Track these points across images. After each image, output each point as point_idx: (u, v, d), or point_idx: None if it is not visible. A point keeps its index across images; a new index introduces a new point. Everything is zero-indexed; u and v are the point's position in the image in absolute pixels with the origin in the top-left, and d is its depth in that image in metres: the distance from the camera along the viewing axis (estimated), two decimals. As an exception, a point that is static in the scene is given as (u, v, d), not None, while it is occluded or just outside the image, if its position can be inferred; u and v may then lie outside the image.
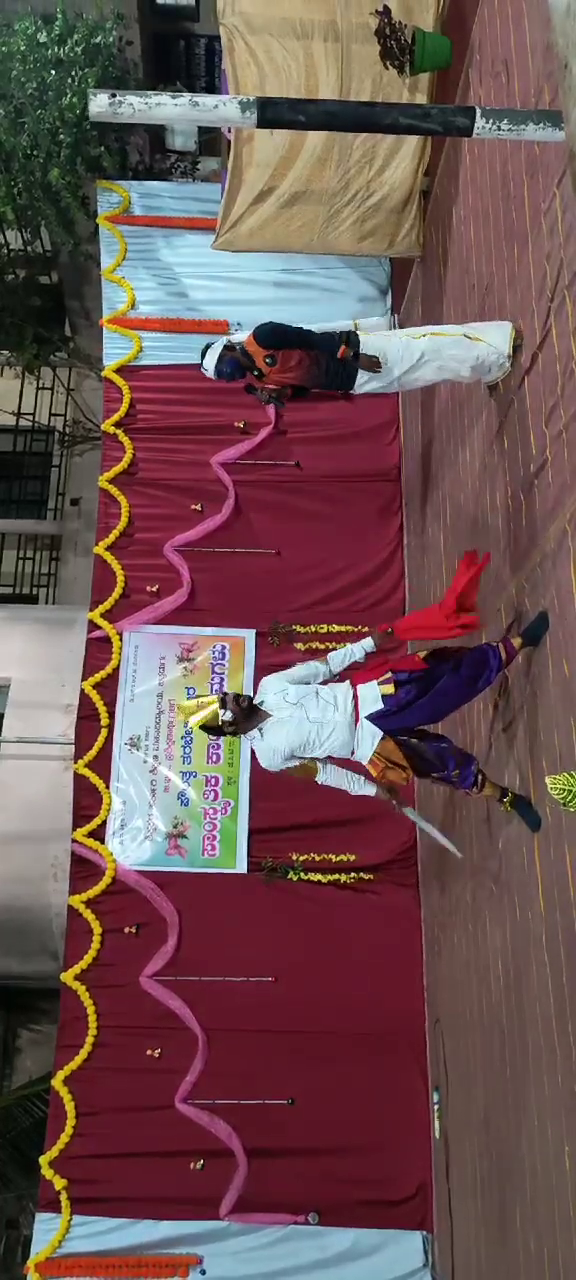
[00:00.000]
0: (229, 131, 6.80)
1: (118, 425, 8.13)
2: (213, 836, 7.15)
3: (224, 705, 4.40)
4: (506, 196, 4.94)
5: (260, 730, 4.46)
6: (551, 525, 4.18)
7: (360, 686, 4.49)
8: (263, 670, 7.43)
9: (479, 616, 4.64)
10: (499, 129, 2.38)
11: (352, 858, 6.99)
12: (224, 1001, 6.65)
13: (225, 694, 4.44)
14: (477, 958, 5.32)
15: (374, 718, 4.43)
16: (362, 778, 4.64)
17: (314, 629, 7.60)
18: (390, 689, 4.45)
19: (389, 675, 4.48)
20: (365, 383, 5.11)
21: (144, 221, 8.54)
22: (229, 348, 5.13)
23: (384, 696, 4.43)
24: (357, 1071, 6.47)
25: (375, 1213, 6.22)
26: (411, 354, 5.11)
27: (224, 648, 7.65)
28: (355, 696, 4.47)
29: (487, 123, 2.35)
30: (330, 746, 4.46)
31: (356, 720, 4.44)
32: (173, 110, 2.31)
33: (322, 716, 4.41)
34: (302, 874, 6.95)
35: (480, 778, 4.61)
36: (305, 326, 5.15)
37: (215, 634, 7.67)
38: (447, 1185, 5.83)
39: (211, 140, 9.36)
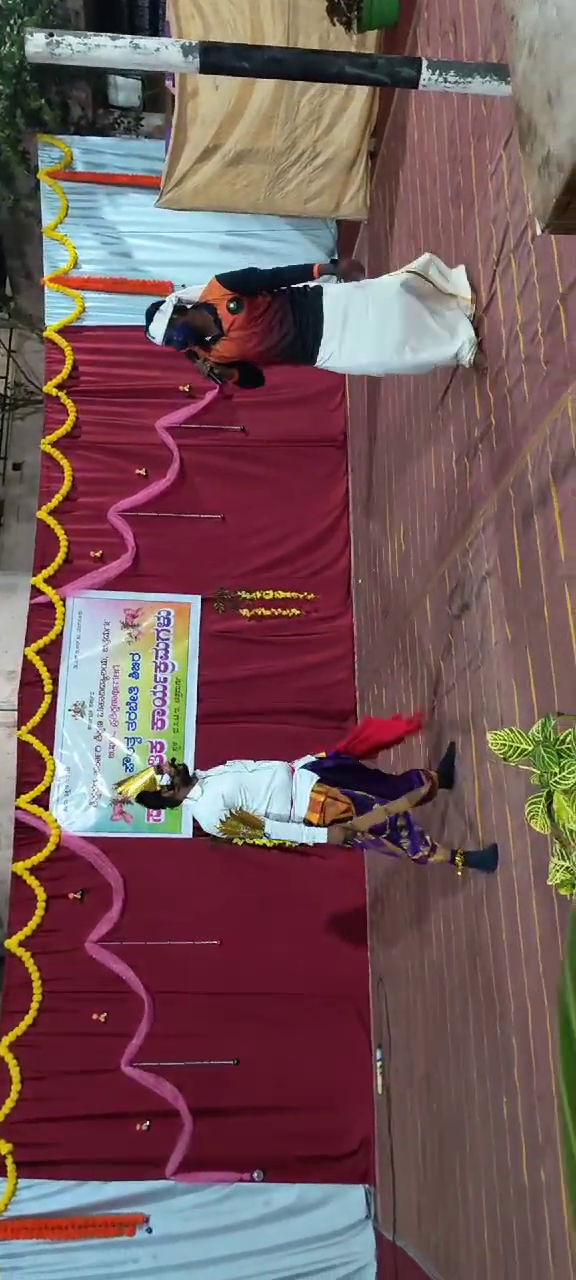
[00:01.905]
0: (173, 86, 6.68)
1: (60, 387, 8.00)
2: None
3: (160, 771, 4.49)
4: (453, 158, 4.94)
5: (201, 787, 4.53)
6: (494, 490, 4.22)
7: (295, 762, 4.69)
8: (208, 638, 7.45)
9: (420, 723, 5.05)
10: (445, 81, 2.37)
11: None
12: (169, 965, 6.68)
13: (162, 762, 4.63)
14: (419, 917, 5.41)
15: (308, 766, 4.61)
16: (308, 828, 4.54)
17: (259, 595, 7.60)
18: (323, 754, 4.71)
19: (321, 751, 4.75)
20: (328, 357, 4.63)
21: (86, 178, 8.36)
22: (179, 310, 4.57)
23: (318, 757, 4.67)
24: (302, 1031, 6.56)
25: (319, 1168, 6.33)
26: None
27: (169, 614, 7.60)
28: (292, 768, 4.64)
29: (434, 74, 2.34)
30: (271, 789, 4.49)
31: (293, 773, 4.59)
32: (113, 52, 2.25)
33: (261, 764, 4.57)
34: (248, 839, 6.97)
35: (429, 839, 4.57)
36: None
37: (160, 600, 7.62)
38: (390, 1139, 5.94)
39: (156, 96, 9.18)
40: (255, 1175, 6.26)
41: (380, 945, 6.53)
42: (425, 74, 2.33)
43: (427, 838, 4.60)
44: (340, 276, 4.62)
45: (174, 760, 4.63)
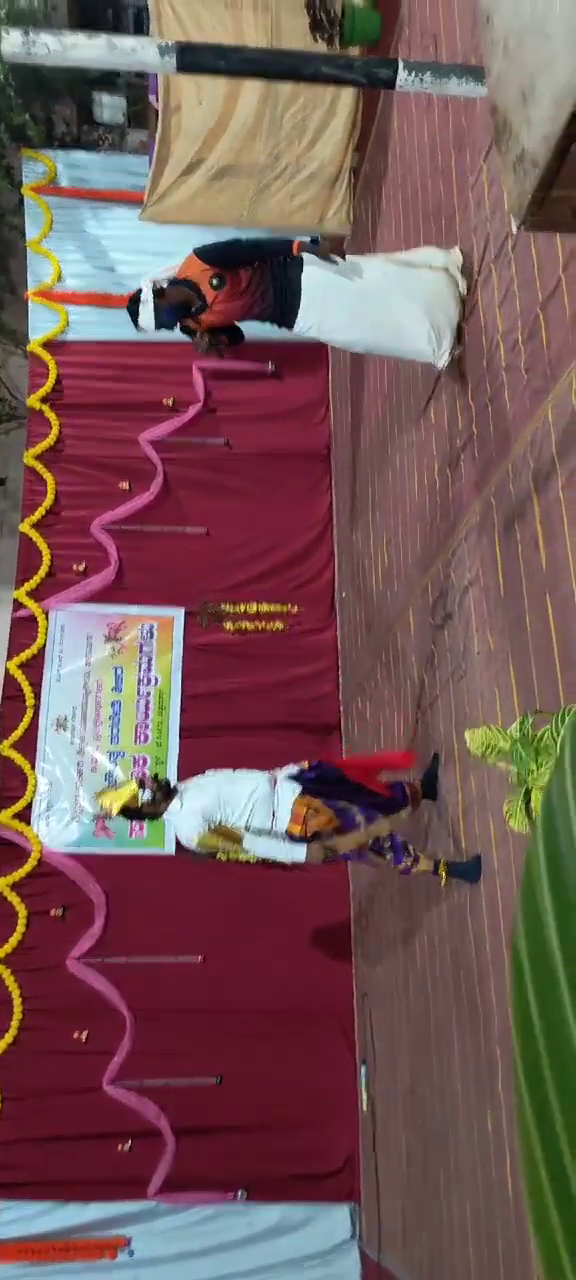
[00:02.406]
0: (157, 101, 6.70)
1: (43, 401, 7.98)
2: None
3: (142, 785, 4.41)
4: (435, 171, 4.96)
5: (180, 800, 4.44)
6: (476, 499, 4.21)
7: (278, 772, 4.62)
8: (191, 651, 7.41)
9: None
10: (421, 81, 2.36)
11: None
12: (151, 982, 6.61)
13: (144, 775, 4.47)
14: (404, 931, 5.37)
15: (291, 776, 4.54)
16: (290, 843, 4.42)
17: (243, 608, 7.57)
18: (305, 764, 4.64)
19: (304, 761, 4.69)
20: (307, 328, 4.53)
21: (71, 193, 8.36)
22: (158, 293, 4.51)
23: (300, 769, 4.59)
24: (286, 1048, 6.50)
25: (303, 1187, 6.27)
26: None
27: (152, 627, 7.57)
28: (274, 779, 4.56)
29: (410, 75, 2.34)
30: (252, 800, 4.41)
31: (275, 785, 4.50)
32: (89, 52, 2.23)
33: (242, 773, 4.52)
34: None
35: (412, 850, 4.54)
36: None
37: (143, 613, 7.59)
38: (374, 1156, 5.89)
39: (140, 112, 9.22)
40: (238, 1195, 6.19)
41: (364, 960, 6.49)
42: (402, 75, 2.32)
43: (410, 848, 4.57)
44: (320, 257, 4.50)
45: (156, 775, 4.53)
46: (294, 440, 8.00)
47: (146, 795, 4.40)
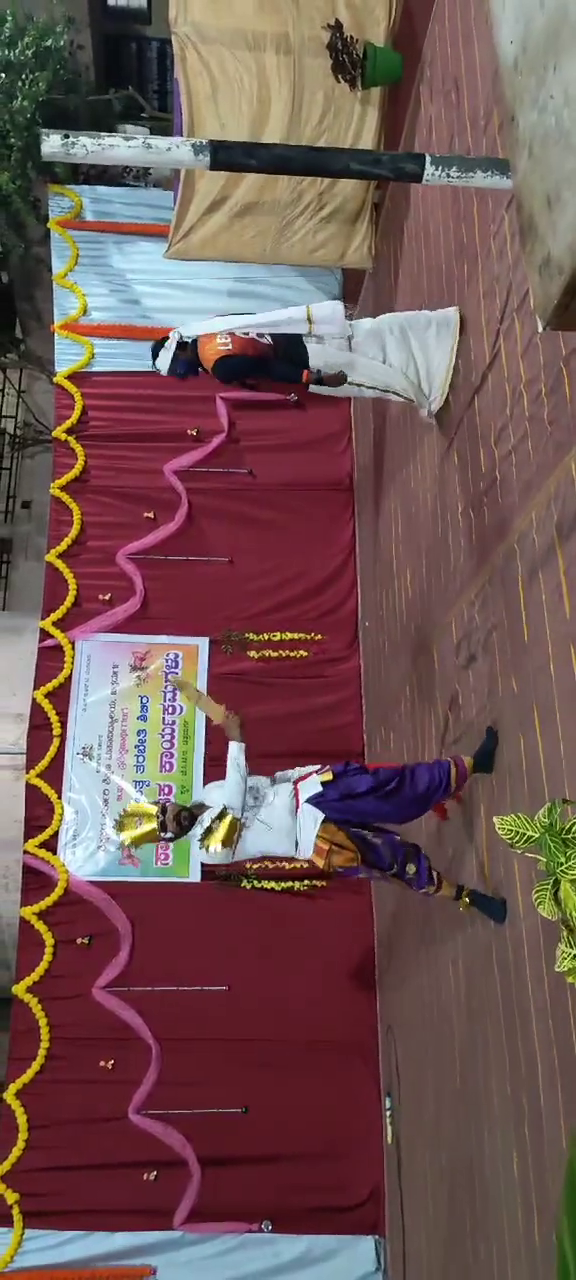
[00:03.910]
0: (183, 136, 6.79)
1: (69, 432, 8.08)
2: (166, 845, 7.12)
3: (164, 828, 4.28)
4: (457, 215, 5.01)
5: (201, 827, 4.32)
6: (500, 544, 4.25)
7: (300, 784, 4.44)
8: (216, 679, 7.47)
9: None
10: (448, 176, 2.42)
11: (306, 865, 7.02)
12: (177, 1011, 6.65)
13: (166, 808, 4.29)
14: (430, 966, 5.39)
15: (314, 800, 4.35)
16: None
17: (267, 637, 7.63)
18: (329, 776, 4.41)
19: (328, 766, 4.46)
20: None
21: (96, 227, 8.48)
22: (181, 346, 5.16)
23: (323, 783, 4.39)
24: (311, 1078, 6.52)
25: (328, 1219, 6.27)
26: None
27: (177, 656, 7.64)
28: (296, 794, 4.41)
29: (436, 170, 2.39)
30: (269, 847, 4.41)
31: (297, 808, 4.36)
32: (126, 152, 2.31)
33: (266, 819, 4.34)
34: (256, 882, 6.96)
35: (436, 875, 4.48)
36: (256, 316, 5.21)
37: (168, 642, 7.66)
38: (400, 1190, 5.90)
39: (164, 145, 9.33)
40: (263, 1226, 6.21)
41: (389, 992, 6.51)
42: (428, 169, 2.38)
43: (435, 874, 4.48)
44: (329, 385, 5.14)
45: (178, 814, 4.30)
46: (316, 470, 8.06)
47: (168, 836, 4.32)
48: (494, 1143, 4.22)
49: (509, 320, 4.15)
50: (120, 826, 4.39)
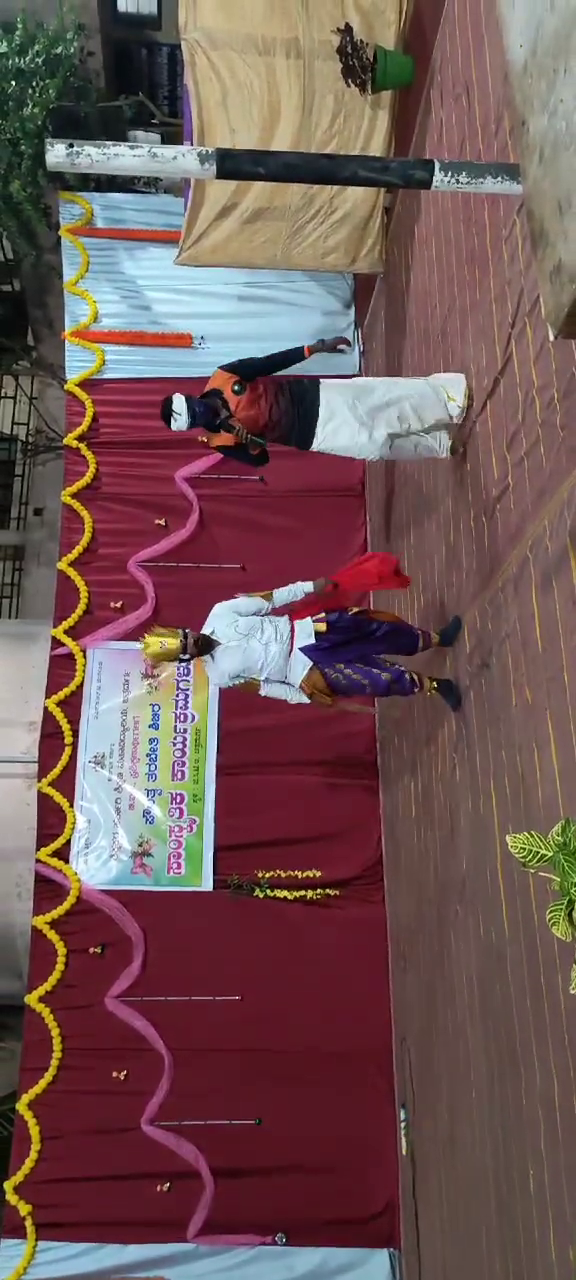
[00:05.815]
0: (192, 143, 6.77)
1: (80, 439, 8.07)
2: (178, 854, 7.11)
3: (184, 649, 5.05)
4: (467, 219, 4.97)
5: (212, 655, 5.15)
6: (513, 550, 4.20)
7: (297, 621, 5.17)
8: (228, 691, 7.42)
9: (409, 580, 5.77)
10: (457, 182, 2.38)
11: (319, 874, 6.99)
12: (190, 1021, 6.62)
13: (186, 633, 5.05)
14: (443, 976, 5.34)
15: (306, 650, 5.09)
16: (297, 690, 5.19)
17: (279, 643, 7.57)
18: (322, 627, 5.12)
19: (322, 615, 5.15)
20: (321, 441, 5.13)
21: (106, 234, 8.47)
22: (189, 401, 5.14)
23: (316, 634, 5.10)
24: (324, 1090, 6.47)
25: (343, 1231, 6.23)
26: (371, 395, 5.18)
27: (188, 664, 7.59)
28: (292, 631, 5.13)
29: (446, 176, 2.35)
30: (269, 671, 5.14)
31: (291, 650, 5.10)
32: (131, 161, 2.29)
33: (265, 647, 5.08)
34: (269, 891, 6.93)
35: (416, 677, 5.19)
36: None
37: (180, 649, 7.61)
38: (415, 1202, 5.84)
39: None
40: (277, 1238, 6.17)
41: (403, 1003, 6.45)
42: (438, 176, 2.34)
43: (415, 677, 5.19)
44: (329, 350, 5.20)
45: (197, 639, 5.08)
46: (328, 476, 8.00)
47: (186, 657, 5.13)
48: (509, 1156, 4.17)
49: (521, 325, 4.10)
50: (146, 646, 5.12)
